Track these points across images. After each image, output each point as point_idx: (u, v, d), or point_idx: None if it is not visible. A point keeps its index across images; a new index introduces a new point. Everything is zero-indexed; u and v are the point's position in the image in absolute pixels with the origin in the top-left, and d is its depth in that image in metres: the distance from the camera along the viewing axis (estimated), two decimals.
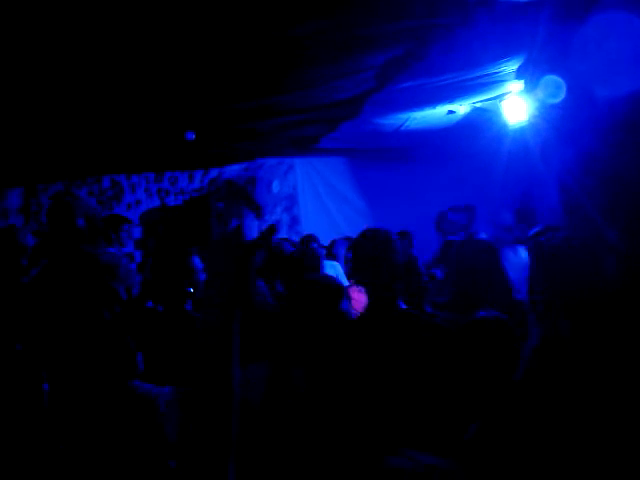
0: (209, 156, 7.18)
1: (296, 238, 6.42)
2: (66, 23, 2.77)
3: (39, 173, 6.74)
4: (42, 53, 3.16)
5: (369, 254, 2.35)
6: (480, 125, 6.04)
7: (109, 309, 2.64)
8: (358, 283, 2.50)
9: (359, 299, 2.54)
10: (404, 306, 2.34)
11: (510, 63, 4.31)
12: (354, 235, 2.72)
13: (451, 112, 5.67)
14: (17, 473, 1.87)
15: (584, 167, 2.70)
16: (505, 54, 4.09)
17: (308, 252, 3.76)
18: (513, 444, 1.79)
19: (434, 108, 5.45)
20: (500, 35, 3.56)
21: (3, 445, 2.12)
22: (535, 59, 3.91)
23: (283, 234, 7.71)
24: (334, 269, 4.56)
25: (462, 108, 5.61)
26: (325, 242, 5.71)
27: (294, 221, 8.08)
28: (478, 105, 5.55)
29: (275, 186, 8.02)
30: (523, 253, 4.21)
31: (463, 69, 4.31)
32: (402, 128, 6.17)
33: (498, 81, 4.79)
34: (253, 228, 2.40)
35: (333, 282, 2.59)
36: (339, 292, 2.48)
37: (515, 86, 4.84)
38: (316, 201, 8.11)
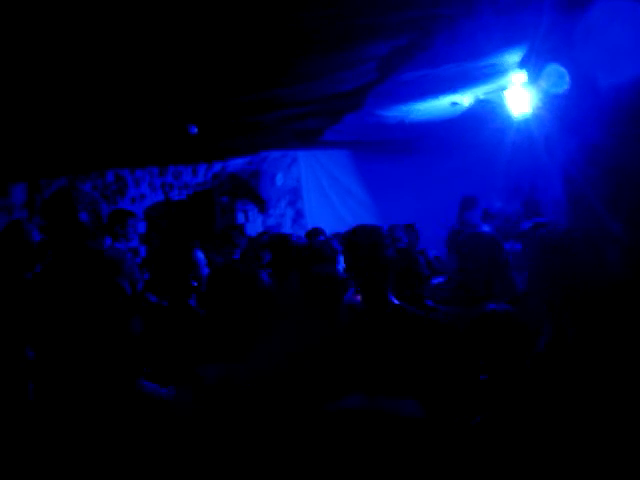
0: (213, 150, 7.18)
1: (301, 232, 6.42)
2: (69, 17, 2.77)
3: (43, 168, 6.75)
4: (45, 48, 3.17)
5: (359, 251, 2.35)
6: (484, 116, 6.02)
7: (114, 305, 2.63)
8: (350, 279, 2.51)
9: None
10: (397, 302, 2.33)
11: (513, 53, 4.30)
12: None
13: (455, 104, 5.65)
14: (17, 473, 1.87)
15: (588, 157, 2.70)
16: (508, 44, 4.07)
17: (325, 246, 3.73)
18: (520, 433, 1.80)
19: (437, 99, 5.44)
20: (503, 25, 3.55)
21: (3, 445, 2.12)
22: (538, 49, 3.89)
23: (287, 228, 7.71)
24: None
25: (466, 100, 5.60)
26: (329, 235, 5.71)
27: (298, 215, 8.09)
28: (482, 97, 5.53)
29: (279, 179, 8.02)
30: None
31: (466, 59, 4.30)
32: (406, 120, 6.15)
33: (501, 71, 4.77)
34: (257, 222, 2.41)
35: (337, 275, 2.61)
36: (343, 285, 2.50)
37: (519, 77, 4.82)
38: (320, 194, 8.11)
